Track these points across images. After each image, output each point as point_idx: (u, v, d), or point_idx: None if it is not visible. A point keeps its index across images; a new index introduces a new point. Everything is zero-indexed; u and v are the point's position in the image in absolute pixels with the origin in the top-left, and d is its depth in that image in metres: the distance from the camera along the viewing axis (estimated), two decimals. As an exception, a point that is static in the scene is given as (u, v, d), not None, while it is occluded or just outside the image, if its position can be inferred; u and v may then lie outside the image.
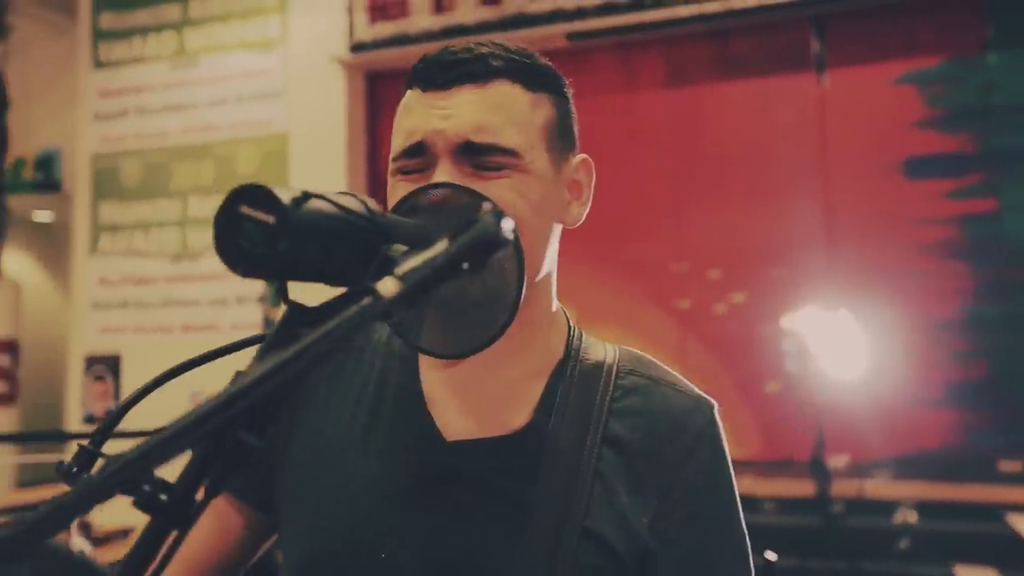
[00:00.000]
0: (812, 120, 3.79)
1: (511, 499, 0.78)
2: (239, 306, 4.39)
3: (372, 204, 0.62)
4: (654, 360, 0.89)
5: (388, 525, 0.79)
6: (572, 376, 0.84)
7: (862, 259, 3.69)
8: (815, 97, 3.79)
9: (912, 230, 3.63)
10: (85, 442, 0.67)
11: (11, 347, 5.23)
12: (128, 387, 4.59)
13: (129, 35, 4.96)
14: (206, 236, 4.54)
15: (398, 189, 0.80)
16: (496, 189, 0.76)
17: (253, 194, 0.54)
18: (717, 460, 0.83)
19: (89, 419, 4.63)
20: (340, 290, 0.61)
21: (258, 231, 0.53)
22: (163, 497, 0.51)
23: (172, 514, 0.50)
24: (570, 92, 0.88)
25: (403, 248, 0.59)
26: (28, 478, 5.12)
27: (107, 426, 0.66)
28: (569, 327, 0.89)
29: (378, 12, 4.30)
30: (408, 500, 0.80)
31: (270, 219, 0.53)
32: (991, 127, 3.60)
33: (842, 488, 3.42)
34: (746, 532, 0.84)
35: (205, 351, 0.70)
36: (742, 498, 0.85)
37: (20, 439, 4.28)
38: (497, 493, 0.79)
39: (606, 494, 0.78)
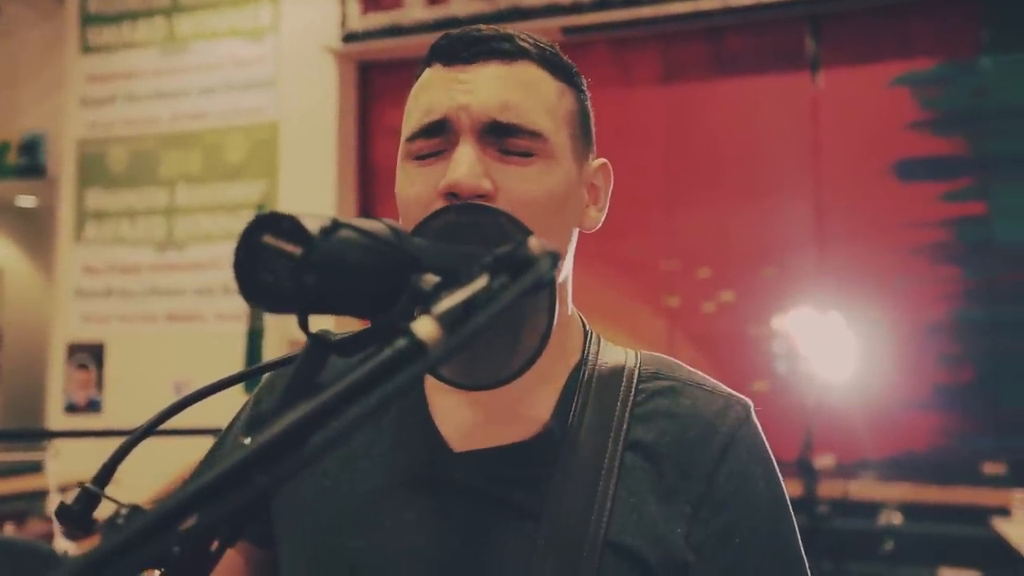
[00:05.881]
0: (805, 120, 3.78)
1: (525, 512, 0.71)
2: (224, 296, 4.34)
3: (398, 227, 0.57)
4: (680, 363, 0.83)
5: (391, 550, 0.72)
6: (589, 380, 0.78)
7: (852, 261, 3.68)
8: (809, 97, 3.78)
9: (903, 232, 3.63)
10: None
11: (-8, 334, 5.17)
12: (111, 376, 4.54)
13: (118, 20, 4.90)
14: (192, 225, 4.50)
15: (413, 176, 0.74)
16: (521, 181, 0.72)
17: (278, 223, 0.49)
18: (754, 463, 0.76)
19: (71, 408, 4.58)
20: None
21: (283, 263, 0.48)
22: (175, 550, 0.47)
23: (185, 568, 0.46)
24: (588, 94, 0.85)
25: (434, 279, 0.53)
26: (6, 469, 5.06)
27: (111, 464, 0.62)
28: (585, 331, 0.84)
29: (371, 2, 4.26)
30: (411, 521, 0.73)
31: (297, 251, 0.48)
32: (984, 130, 3.60)
33: (828, 489, 3.42)
34: (798, 539, 0.76)
35: (207, 384, 0.65)
36: None
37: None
38: (509, 506, 0.72)
39: (634, 504, 0.71)
